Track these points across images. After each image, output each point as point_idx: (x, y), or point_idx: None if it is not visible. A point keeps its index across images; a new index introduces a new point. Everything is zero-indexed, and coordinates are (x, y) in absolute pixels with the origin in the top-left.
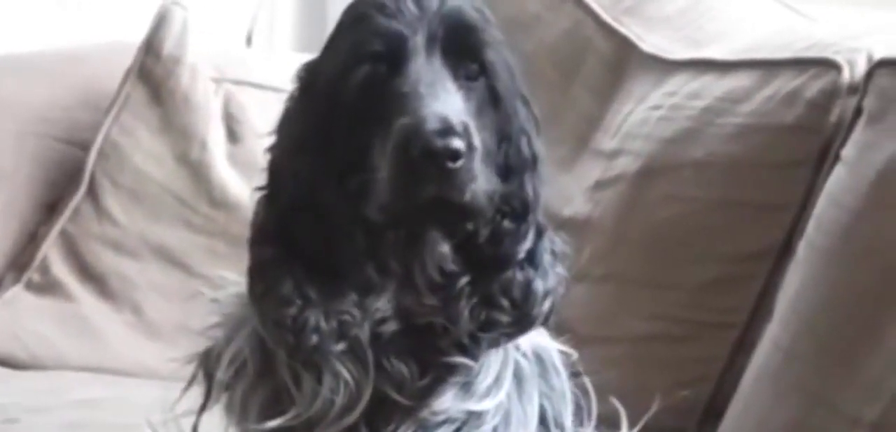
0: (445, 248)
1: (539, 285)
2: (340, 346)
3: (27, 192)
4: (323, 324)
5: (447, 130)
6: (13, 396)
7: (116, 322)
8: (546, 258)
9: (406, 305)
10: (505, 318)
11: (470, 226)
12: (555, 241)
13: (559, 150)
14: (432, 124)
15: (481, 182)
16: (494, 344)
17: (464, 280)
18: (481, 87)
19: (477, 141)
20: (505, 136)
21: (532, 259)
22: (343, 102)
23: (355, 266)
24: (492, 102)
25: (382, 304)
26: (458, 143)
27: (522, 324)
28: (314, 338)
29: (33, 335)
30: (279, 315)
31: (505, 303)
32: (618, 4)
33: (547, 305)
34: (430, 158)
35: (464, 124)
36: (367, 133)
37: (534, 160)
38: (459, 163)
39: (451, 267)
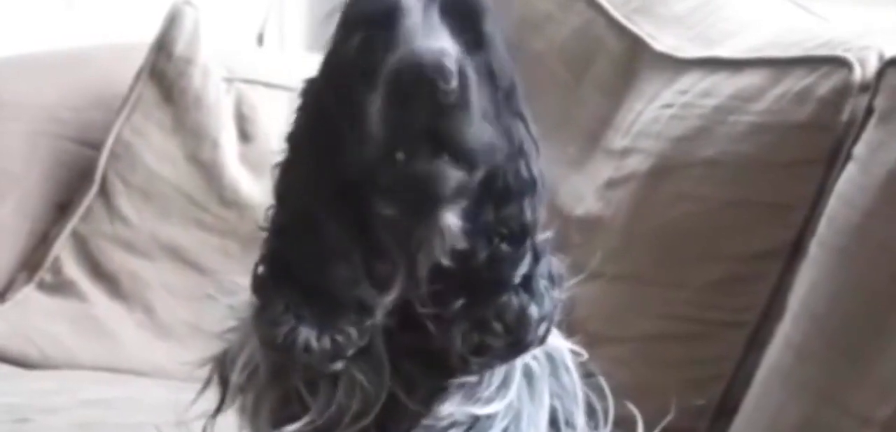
0: (453, 219)
1: (534, 311)
2: (337, 365)
3: (39, 192)
4: (314, 344)
5: (440, 53)
6: (25, 396)
7: (128, 321)
8: (542, 283)
9: (409, 299)
10: (498, 343)
11: (476, 174)
12: (552, 264)
13: (570, 149)
14: (425, 49)
15: (478, 123)
16: (486, 367)
17: (458, 303)
18: (478, 58)
19: (472, 74)
20: (500, 114)
21: (528, 284)
22: (341, 74)
23: (352, 287)
24: (488, 75)
25: (388, 300)
26: (449, 63)
27: (515, 349)
28: (304, 357)
29: (45, 335)
30: (269, 334)
31: (498, 327)
32: (628, 3)
33: (542, 331)
34: (420, 78)
35: (457, 57)
36: (363, 93)
37: (533, 183)
38: (452, 85)
39: (461, 242)
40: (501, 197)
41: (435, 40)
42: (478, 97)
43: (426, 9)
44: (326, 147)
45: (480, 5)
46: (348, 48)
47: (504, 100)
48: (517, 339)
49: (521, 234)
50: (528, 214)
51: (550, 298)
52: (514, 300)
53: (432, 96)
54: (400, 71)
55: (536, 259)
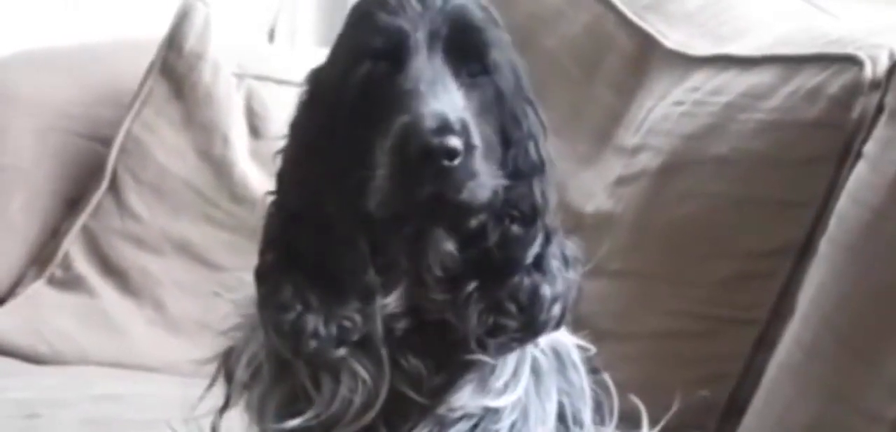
0: (449, 245)
1: (547, 291)
2: (341, 352)
3: (49, 188)
4: (321, 330)
5: (444, 128)
6: (35, 391)
7: (138, 317)
8: (554, 263)
9: (417, 301)
10: (512, 323)
11: (473, 222)
12: (565, 245)
13: (581, 146)
14: (430, 123)
15: (482, 179)
16: (504, 348)
17: (472, 285)
18: (484, 84)
19: (476, 139)
20: (510, 134)
21: (539, 264)
22: (345, 101)
23: (358, 273)
24: (495, 100)
25: (392, 300)
26: (454, 142)
27: (530, 329)
28: (313, 343)
29: (55, 330)
30: (278, 320)
31: (512, 308)
32: (639, 0)
33: (556, 310)
34: (427, 157)
35: (462, 122)
36: (368, 131)
37: (542, 164)
38: (457, 161)
39: (455, 263)
40: (508, 172)
41: (441, 94)
42: (481, 159)
43: (430, 47)
44: (329, 153)
45: (483, 38)
46: (354, 76)
47: (512, 116)
48: (531, 319)
49: (531, 215)
50: (538, 195)
51: (564, 278)
52: (527, 280)
53: (436, 170)
54: (405, 142)
55: (548, 239)
